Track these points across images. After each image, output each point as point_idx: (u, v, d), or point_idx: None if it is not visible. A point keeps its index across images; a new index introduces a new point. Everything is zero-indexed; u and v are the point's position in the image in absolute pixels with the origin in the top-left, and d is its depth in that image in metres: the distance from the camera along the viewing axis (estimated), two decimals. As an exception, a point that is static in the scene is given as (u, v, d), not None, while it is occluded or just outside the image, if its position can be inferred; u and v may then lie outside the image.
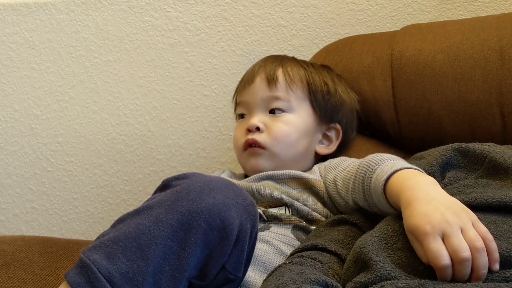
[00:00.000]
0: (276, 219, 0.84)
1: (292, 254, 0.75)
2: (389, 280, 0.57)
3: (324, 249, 0.72)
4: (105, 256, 0.64)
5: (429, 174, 0.78)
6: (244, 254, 0.69)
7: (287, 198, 0.86)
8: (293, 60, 1.00)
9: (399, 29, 1.07)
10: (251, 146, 0.93)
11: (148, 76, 1.27)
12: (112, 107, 1.29)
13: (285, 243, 0.83)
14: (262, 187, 0.87)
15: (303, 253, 0.72)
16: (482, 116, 0.94)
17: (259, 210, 0.84)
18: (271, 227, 0.84)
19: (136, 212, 0.68)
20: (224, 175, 0.98)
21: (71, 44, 1.28)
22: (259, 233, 0.81)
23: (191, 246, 0.65)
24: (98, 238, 0.68)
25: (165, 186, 0.71)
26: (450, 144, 0.82)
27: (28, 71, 1.30)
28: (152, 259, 0.64)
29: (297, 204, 0.85)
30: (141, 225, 0.65)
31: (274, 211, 0.85)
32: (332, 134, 0.98)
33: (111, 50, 1.27)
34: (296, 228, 0.84)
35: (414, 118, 0.99)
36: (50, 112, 1.30)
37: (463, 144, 0.81)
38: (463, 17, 1.14)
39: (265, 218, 0.84)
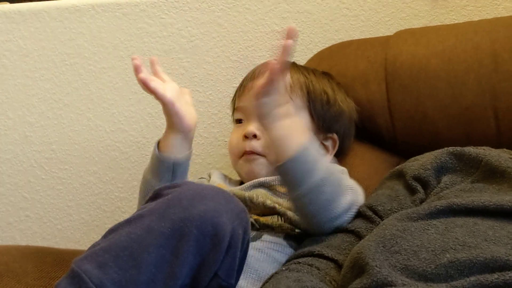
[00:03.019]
0: (268, 228, 0.84)
1: (288, 260, 0.75)
2: (386, 284, 0.57)
3: (320, 255, 0.72)
4: (97, 266, 0.63)
5: (423, 177, 0.78)
6: (237, 260, 0.69)
7: (279, 207, 0.85)
8: (294, 66, 0.99)
9: (392, 34, 1.08)
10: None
11: (142, 82, 1.27)
12: (106, 114, 1.28)
13: (277, 251, 0.82)
14: (254, 195, 0.86)
15: (300, 260, 0.71)
16: (476, 119, 0.94)
17: (251, 219, 0.83)
18: (263, 235, 0.83)
19: (127, 222, 0.67)
20: (215, 176, 0.97)
21: (65, 51, 1.28)
22: (251, 243, 0.81)
23: (183, 253, 0.65)
24: (89, 248, 0.67)
25: (156, 195, 0.70)
26: (445, 148, 0.82)
27: (22, 79, 1.29)
28: (145, 267, 0.64)
29: (289, 213, 0.84)
30: (133, 234, 0.65)
31: (266, 218, 0.85)
32: (328, 143, 0.97)
33: (106, 57, 1.27)
34: (288, 236, 0.84)
35: (409, 122, 0.99)
36: (44, 120, 1.30)
37: (458, 148, 0.81)
38: (456, 21, 1.15)
39: (258, 226, 0.84)
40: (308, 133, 0.81)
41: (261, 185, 0.89)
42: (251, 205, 0.86)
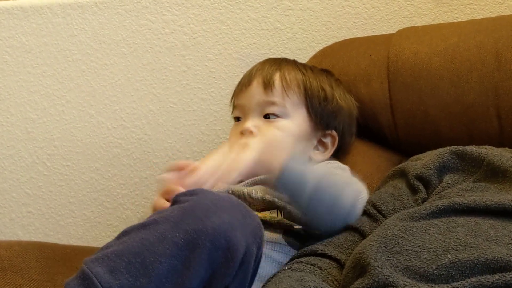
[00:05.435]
0: (266, 224, 0.83)
1: (291, 259, 0.75)
2: (387, 285, 0.57)
3: (323, 255, 0.72)
4: (108, 270, 0.63)
5: (426, 177, 0.79)
6: (249, 276, 0.68)
7: (279, 201, 0.85)
8: (292, 63, 0.99)
9: (395, 32, 1.08)
10: None
11: (144, 79, 1.27)
12: (108, 111, 1.28)
13: (276, 251, 0.82)
14: (253, 190, 0.86)
15: (302, 259, 0.72)
16: (478, 118, 0.94)
17: None
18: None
19: (142, 226, 0.66)
20: None
21: (67, 47, 1.28)
22: None
23: (195, 265, 0.64)
24: (101, 249, 0.67)
25: (174, 201, 0.69)
26: (447, 147, 0.82)
27: (24, 75, 1.29)
28: (156, 277, 0.63)
29: (289, 207, 0.84)
30: (146, 240, 0.64)
31: (265, 214, 0.85)
32: (328, 140, 0.97)
33: (108, 54, 1.27)
34: (287, 233, 0.84)
35: (411, 120, 0.99)
36: (46, 116, 1.30)
37: (460, 147, 0.81)
38: (459, 19, 1.14)
39: None
40: (288, 150, 0.86)
41: (261, 182, 0.89)
42: (250, 200, 0.86)
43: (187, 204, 0.67)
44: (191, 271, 0.64)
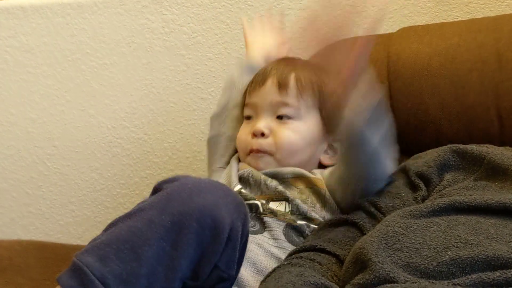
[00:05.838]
0: (272, 214, 0.85)
1: (290, 254, 0.76)
2: (388, 280, 0.57)
3: (322, 250, 0.72)
4: (98, 259, 0.65)
5: (426, 175, 0.79)
6: (237, 252, 0.70)
7: (289, 193, 0.86)
8: (307, 65, 0.98)
9: (395, 31, 1.08)
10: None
11: (144, 79, 1.27)
12: (108, 111, 1.28)
13: (276, 246, 0.83)
14: (269, 179, 0.88)
15: (302, 254, 0.72)
16: (479, 118, 0.94)
17: (257, 202, 0.85)
18: (264, 231, 0.84)
19: (128, 216, 0.69)
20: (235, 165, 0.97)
21: (67, 47, 1.28)
22: (253, 236, 0.82)
23: (183, 246, 0.66)
24: (90, 242, 0.69)
25: (156, 190, 0.72)
26: (448, 145, 0.83)
27: (24, 75, 1.29)
28: (145, 260, 0.65)
29: (298, 201, 0.86)
30: (133, 227, 0.66)
31: (273, 206, 0.86)
32: (338, 145, 0.97)
33: (107, 53, 1.27)
34: (288, 227, 0.85)
35: (411, 120, 0.99)
36: (46, 116, 1.30)
37: (461, 146, 0.81)
38: (459, 18, 1.14)
39: (262, 210, 0.85)
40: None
41: (274, 176, 0.89)
42: (264, 187, 0.88)
43: (170, 189, 0.69)
44: (180, 252, 0.66)
